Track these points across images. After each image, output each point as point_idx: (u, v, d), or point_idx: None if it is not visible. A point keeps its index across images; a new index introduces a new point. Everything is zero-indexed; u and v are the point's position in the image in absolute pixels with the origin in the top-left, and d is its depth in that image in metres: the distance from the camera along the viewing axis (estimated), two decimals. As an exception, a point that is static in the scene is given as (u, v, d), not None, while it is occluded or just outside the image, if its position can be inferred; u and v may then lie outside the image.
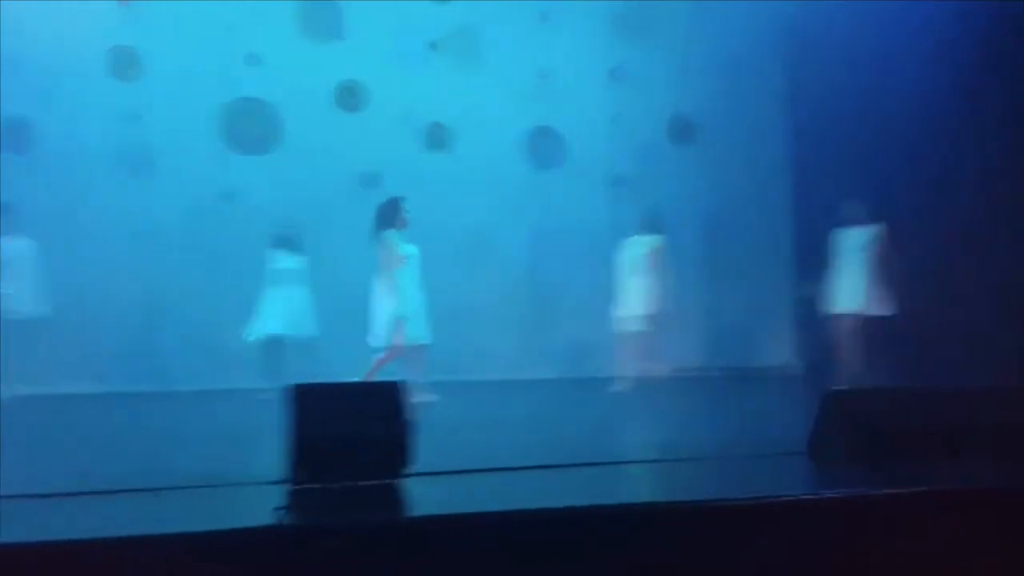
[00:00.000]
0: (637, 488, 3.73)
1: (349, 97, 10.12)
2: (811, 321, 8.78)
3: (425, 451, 3.65)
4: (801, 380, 8.71)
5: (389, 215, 7.70)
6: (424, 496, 3.44)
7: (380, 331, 7.54)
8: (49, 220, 8.21)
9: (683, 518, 3.13)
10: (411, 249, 7.71)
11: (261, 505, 3.10)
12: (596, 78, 10.70)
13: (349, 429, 3.48)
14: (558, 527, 3.06)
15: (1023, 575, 3.30)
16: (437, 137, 10.34)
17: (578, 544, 3.04)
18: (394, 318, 7.54)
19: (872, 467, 3.78)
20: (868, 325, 7.99)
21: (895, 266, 7.95)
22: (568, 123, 10.58)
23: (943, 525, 3.27)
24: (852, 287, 8.02)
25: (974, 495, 3.40)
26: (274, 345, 8.48)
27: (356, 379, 6.42)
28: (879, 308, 7.95)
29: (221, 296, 9.20)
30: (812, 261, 8.62)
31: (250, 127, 9.81)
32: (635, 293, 8.51)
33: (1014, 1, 6.94)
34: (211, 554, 2.79)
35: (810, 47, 9.64)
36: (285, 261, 8.50)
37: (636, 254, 8.59)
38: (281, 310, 8.39)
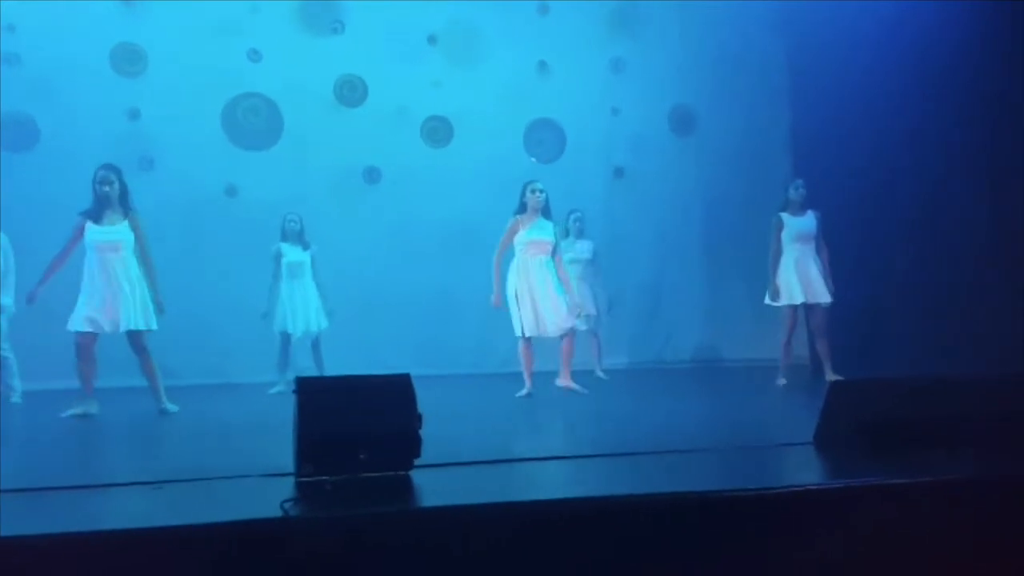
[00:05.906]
0: (642, 479, 3.74)
1: (349, 92, 10.13)
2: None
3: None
4: (809, 371, 8.69)
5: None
6: (433, 488, 3.45)
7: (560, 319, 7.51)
8: (51, 217, 8.22)
9: (693, 508, 3.14)
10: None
11: (270, 497, 3.12)
12: (596, 70, 10.70)
13: (359, 422, 3.49)
14: (567, 518, 3.07)
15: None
16: (436, 131, 10.34)
17: (587, 535, 3.05)
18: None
19: (877, 457, 3.79)
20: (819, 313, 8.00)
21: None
22: (568, 115, 10.58)
23: (949, 513, 3.29)
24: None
25: (980, 483, 3.41)
26: (299, 340, 8.60)
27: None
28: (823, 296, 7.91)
29: (224, 291, 9.22)
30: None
31: (252, 122, 9.84)
32: None
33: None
34: (218, 545, 2.80)
35: (809, 38, 9.63)
36: (293, 254, 8.54)
37: None
38: (299, 305, 8.47)
